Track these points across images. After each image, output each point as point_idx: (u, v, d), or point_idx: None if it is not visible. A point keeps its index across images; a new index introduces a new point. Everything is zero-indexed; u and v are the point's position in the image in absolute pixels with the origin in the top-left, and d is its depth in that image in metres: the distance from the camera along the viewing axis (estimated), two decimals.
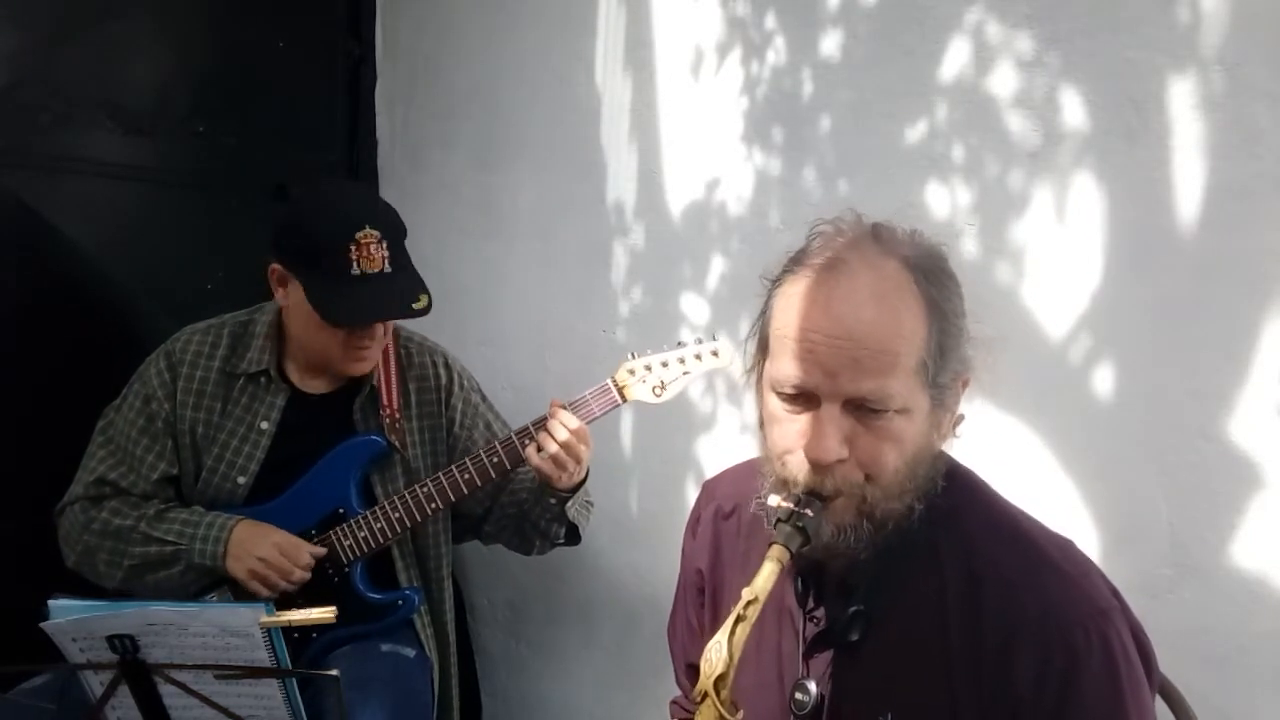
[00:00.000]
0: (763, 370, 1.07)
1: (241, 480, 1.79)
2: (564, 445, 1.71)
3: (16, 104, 1.94)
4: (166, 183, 2.20)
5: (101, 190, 2.10)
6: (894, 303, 0.99)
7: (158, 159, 2.18)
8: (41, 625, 1.26)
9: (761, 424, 1.09)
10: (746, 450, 2.01)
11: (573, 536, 1.91)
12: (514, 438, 1.77)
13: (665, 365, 1.77)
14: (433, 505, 1.78)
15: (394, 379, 1.87)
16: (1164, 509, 1.56)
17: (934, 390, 1.01)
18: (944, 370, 1.01)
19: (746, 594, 0.96)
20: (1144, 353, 1.58)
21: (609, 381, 1.78)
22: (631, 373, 1.77)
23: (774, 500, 1.01)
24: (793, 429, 1.02)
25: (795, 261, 1.06)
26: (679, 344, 1.78)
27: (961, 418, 1.10)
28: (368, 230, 1.67)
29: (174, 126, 2.19)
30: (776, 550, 0.98)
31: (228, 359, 1.82)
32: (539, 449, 1.72)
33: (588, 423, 1.77)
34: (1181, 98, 1.52)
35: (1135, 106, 1.56)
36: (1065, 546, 1.07)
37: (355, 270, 1.66)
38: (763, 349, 1.08)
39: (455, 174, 2.46)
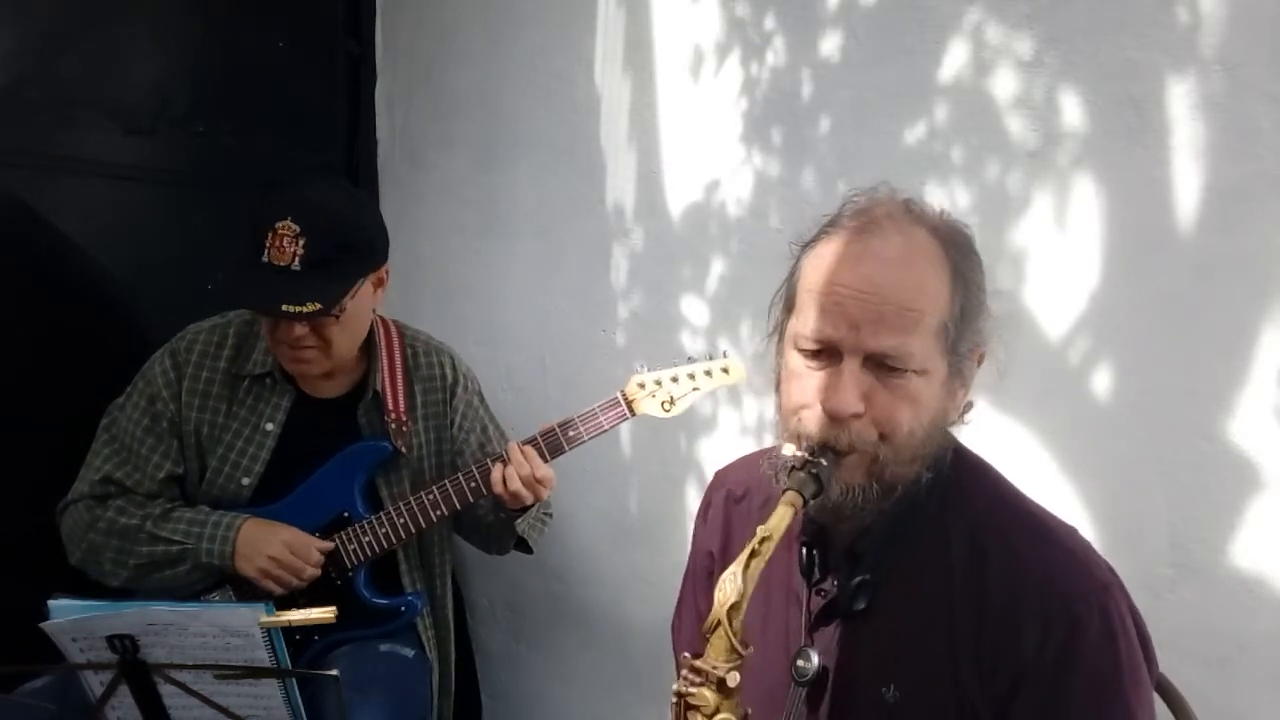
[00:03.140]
0: (785, 329, 1.10)
1: (246, 481, 1.78)
2: (525, 484, 1.71)
3: (16, 104, 1.93)
4: (166, 183, 2.20)
5: (101, 190, 2.09)
6: (921, 265, 1.03)
7: (157, 159, 2.18)
8: (41, 625, 1.26)
9: (779, 384, 1.11)
10: (746, 451, 2.01)
11: (524, 547, 1.92)
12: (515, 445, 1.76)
13: (675, 380, 1.76)
14: (438, 512, 1.78)
15: (400, 382, 1.85)
16: (1164, 509, 1.56)
17: (953, 357, 1.04)
18: (963, 338, 1.04)
19: (761, 531, 0.97)
20: (1144, 353, 1.58)
21: (618, 395, 1.77)
22: (641, 386, 1.77)
23: (789, 450, 1.03)
24: (812, 384, 1.04)
25: (828, 225, 1.09)
26: (689, 359, 1.78)
27: (970, 405, 1.11)
28: (288, 222, 1.63)
29: (174, 126, 2.18)
30: (790, 495, 0.99)
31: (233, 359, 1.80)
32: (503, 480, 1.72)
33: (596, 436, 1.77)
34: (1181, 98, 1.52)
35: (1135, 106, 1.56)
36: (1068, 528, 1.09)
37: (264, 257, 1.63)
38: (789, 307, 1.10)
39: (455, 174, 2.46)
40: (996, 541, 1.05)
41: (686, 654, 1.01)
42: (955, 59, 1.73)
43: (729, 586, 0.96)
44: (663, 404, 1.76)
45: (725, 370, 1.76)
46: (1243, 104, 1.48)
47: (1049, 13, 1.63)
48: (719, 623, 0.96)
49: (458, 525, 1.99)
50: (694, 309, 2.10)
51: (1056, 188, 1.64)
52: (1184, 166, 1.53)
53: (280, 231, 1.63)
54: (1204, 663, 1.50)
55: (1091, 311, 1.62)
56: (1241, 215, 1.49)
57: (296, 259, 1.63)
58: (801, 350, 1.05)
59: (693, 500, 2.11)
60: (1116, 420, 1.60)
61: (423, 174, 2.52)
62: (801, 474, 1.00)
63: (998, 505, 1.09)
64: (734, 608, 0.95)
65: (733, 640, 0.96)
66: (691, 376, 1.76)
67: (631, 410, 1.77)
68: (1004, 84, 1.68)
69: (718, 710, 0.97)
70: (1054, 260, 1.65)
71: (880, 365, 1.01)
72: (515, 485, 1.71)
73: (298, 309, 1.62)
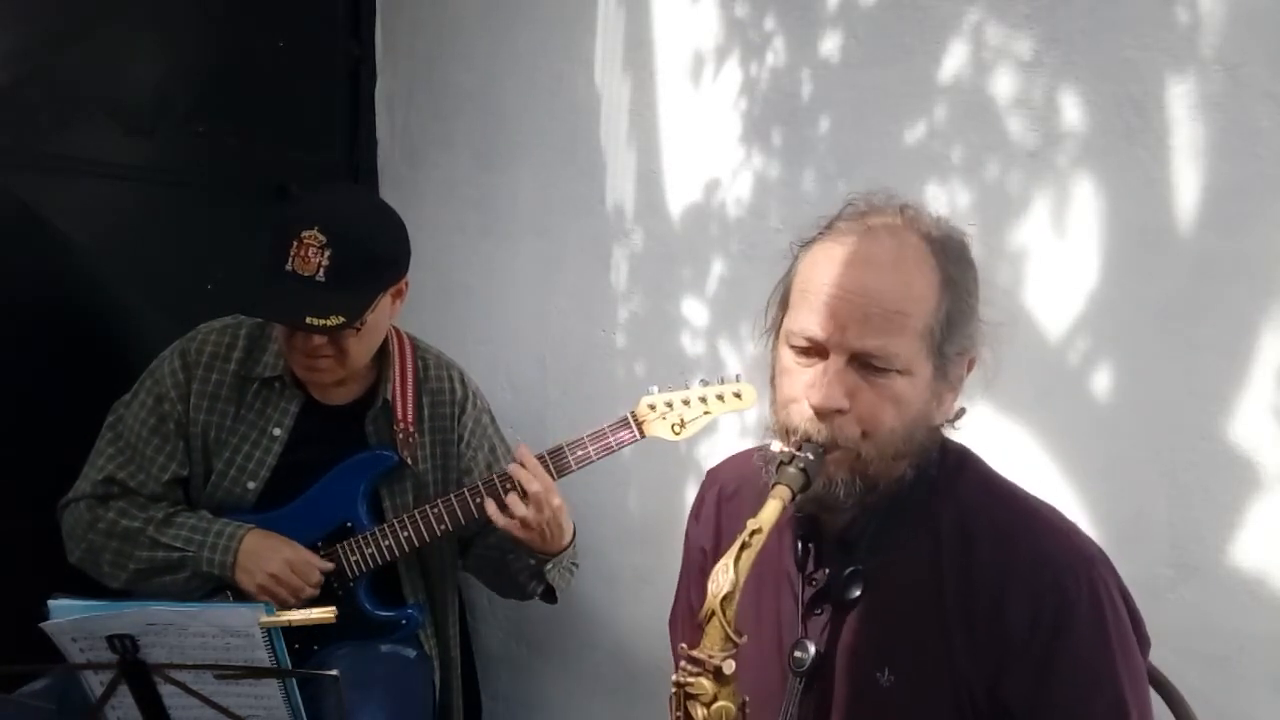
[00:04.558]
0: (780, 326, 1.13)
1: (251, 486, 1.77)
2: (532, 501, 1.67)
3: (16, 104, 1.93)
4: (166, 183, 2.20)
5: (101, 190, 2.09)
6: (909, 268, 1.06)
7: (158, 159, 2.17)
8: (41, 625, 1.26)
9: (773, 379, 1.14)
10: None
11: (549, 597, 1.88)
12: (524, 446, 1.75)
13: (687, 403, 1.74)
14: (442, 527, 1.76)
15: (409, 393, 1.83)
16: (1164, 509, 1.56)
17: (938, 359, 1.07)
18: (950, 341, 1.07)
19: (751, 524, 1.00)
20: (1144, 353, 1.58)
21: (628, 415, 1.76)
22: (652, 408, 1.75)
23: (776, 446, 1.06)
24: (800, 379, 1.08)
25: (825, 227, 1.14)
26: (702, 381, 1.76)
27: (963, 411, 1.14)
28: (315, 232, 1.60)
29: (174, 126, 2.18)
30: (780, 490, 1.02)
31: (243, 362, 1.78)
32: (501, 508, 1.69)
33: (604, 456, 1.76)
34: (1181, 98, 1.52)
35: (1135, 106, 1.56)
36: (1051, 508, 1.13)
37: (288, 266, 1.60)
38: (783, 305, 1.14)
39: (455, 174, 2.46)
40: (983, 524, 1.09)
41: (684, 645, 1.03)
42: (955, 59, 1.73)
43: (722, 578, 0.99)
44: (673, 426, 1.74)
45: (738, 395, 1.74)
46: (1243, 104, 1.48)
47: (1049, 13, 1.63)
48: (713, 613, 0.99)
49: (467, 564, 1.97)
50: (694, 309, 2.10)
51: (1056, 188, 1.64)
52: (1184, 166, 1.53)
53: (306, 241, 1.60)
54: (1204, 663, 1.50)
55: (1091, 312, 1.62)
56: (1241, 215, 1.49)
57: (321, 270, 1.60)
58: (793, 347, 1.09)
59: (693, 500, 2.11)
60: (1116, 420, 1.60)
61: (423, 174, 2.52)
62: (790, 469, 1.03)
63: (983, 491, 1.13)
64: (727, 598, 0.98)
65: (727, 629, 0.99)
66: (703, 400, 1.74)
67: (641, 432, 1.75)
68: (1004, 84, 1.68)
69: (716, 698, 1.01)
70: (1054, 260, 1.64)
71: (865, 365, 1.04)
72: (520, 510, 1.67)
73: (321, 322, 1.60)
